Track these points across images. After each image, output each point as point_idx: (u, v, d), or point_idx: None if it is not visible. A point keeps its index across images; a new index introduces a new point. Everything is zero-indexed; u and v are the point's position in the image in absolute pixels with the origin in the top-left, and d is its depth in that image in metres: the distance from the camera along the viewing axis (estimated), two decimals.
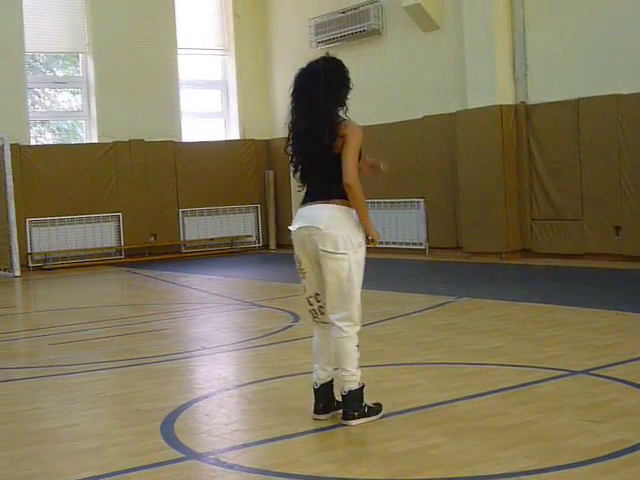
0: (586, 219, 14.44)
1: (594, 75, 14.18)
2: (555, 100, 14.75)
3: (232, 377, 7.40)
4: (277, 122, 19.81)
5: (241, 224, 20.47)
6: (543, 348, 7.64)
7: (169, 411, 6.04)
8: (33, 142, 18.91)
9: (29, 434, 5.72)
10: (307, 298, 5.74)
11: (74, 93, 19.80)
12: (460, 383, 6.50)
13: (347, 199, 5.59)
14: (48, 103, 20.16)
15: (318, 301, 5.69)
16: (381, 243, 6.03)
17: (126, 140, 19.03)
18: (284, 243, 19.95)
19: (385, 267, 15.63)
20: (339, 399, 5.70)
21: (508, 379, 6.53)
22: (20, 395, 6.98)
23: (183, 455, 5.09)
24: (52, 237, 18.30)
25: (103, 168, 18.82)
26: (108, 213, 18.87)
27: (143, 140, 19.20)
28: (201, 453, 5.11)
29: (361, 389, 5.58)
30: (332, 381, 5.72)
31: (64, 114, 20.14)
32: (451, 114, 16.19)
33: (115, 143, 18.94)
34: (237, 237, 20.35)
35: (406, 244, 17.45)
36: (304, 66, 5.66)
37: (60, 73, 19.99)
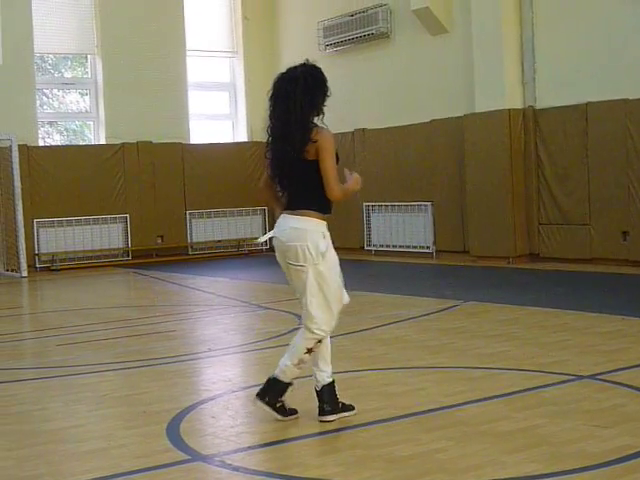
0: (593, 224, 14.43)
1: (602, 79, 14.17)
2: (563, 104, 14.74)
3: (238, 379, 7.41)
4: None
5: (248, 226, 20.47)
6: (549, 353, 7.64)
7: (175, 413, 6.05)
8: (41, 143, 18.95)
9: (35, 434, 5.73)
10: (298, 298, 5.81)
11: (82, 94, 19.83)
12: (466, 387, 6.50)
13: (318, 210, 5.60)
14: (56, 104, 20.19)
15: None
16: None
17: (134, 141, 19.06)
18: None
19: (392, 270, 15.64)
20: (344, 401, 5.77)
21: (514, 383, 6.53)
22: (27, 395, 6.99)
23: (189, 457, 5.09)
24: (59, 238, 18.32)
25: (111, 169, 18.85)
26: (115, 214, 18.89)
27: (151, 142, 19.22)
28: (207, 455, 5.11)
29: (286, 385, 5.70)
30: (333, 382, 5.75)
31: (72, 115, 20.18)
32: (459, 118, 16.19)
33: (123, 144, 18.96)
34: (244, 239, 20.35)
35: (413, 247, 17.44)
36: (283, 71, 5.73)
37: (68, 74, 20.03)
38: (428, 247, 17.19)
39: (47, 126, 19.94)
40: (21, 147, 17.23)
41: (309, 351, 5.64)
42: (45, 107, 19.72)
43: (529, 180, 15.34)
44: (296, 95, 5.56)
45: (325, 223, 5.66)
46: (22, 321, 12.08)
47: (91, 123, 19.72)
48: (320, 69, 5.76)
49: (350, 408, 5.80)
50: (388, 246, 17.98)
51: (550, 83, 15.06)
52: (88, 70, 19.56)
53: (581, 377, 6.64)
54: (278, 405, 5.70)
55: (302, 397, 6.36)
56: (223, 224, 20.13)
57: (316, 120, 5.67)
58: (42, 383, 7.47)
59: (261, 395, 5.71)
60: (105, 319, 11.04)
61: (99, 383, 7.28)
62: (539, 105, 15.26)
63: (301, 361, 5.66)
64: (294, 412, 5.79)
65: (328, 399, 5.69)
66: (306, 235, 5.54)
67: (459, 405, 5.96)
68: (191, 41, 20.11)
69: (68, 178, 18.35)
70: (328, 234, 5.65)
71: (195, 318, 11.20)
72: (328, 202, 5.64)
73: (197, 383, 7.40)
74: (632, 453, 4.77)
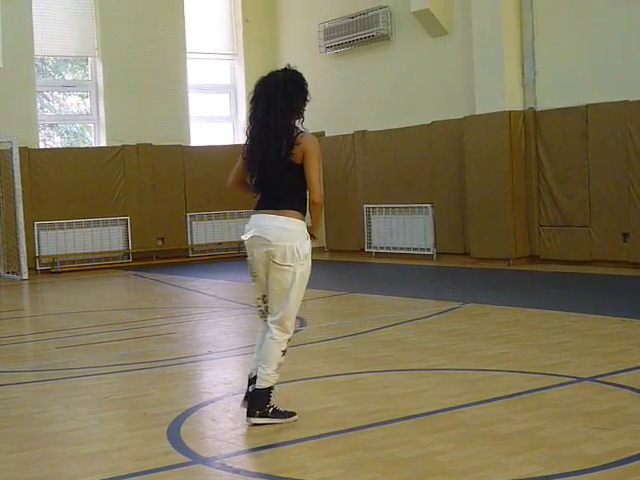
0: (594, 226, 14.43)
1: (602, 81, 14.17)
2: (564, 106, 14.75)
3: (239, 382, 7.39)
4: None
5: None
6: (550, 355, 7.64)
7: (176, 415, 6.06)
8: (42, 145, 18.97)
9: (36, 437, 5.73)
10: (256, 299, 5.93)
11: (83, 97, 19.86)
12: (466, 389, 6.50)
13: (299, 210, 5.75)
14: (57, 106, 20.21)
15: (265, 302, 5.87)
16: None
17: (134, 144, 19.08)
18: None
19: (392, 272, 15.64)
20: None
21: (514, 385, 6.53)
22: (27, 398, 7.00)
23: (189, 459, 5.10)
24: (60, 240, 18.34)
25: (111, 172, 18.86)
26: (116, 217, 18.91)
27: (151, 144, 19.24)
28: (207, 457, 5.12)
29: (268, 390, 5.74)
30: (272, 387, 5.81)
31: (73, 117, 20.21)
32: (459, 120, 16.20)
33: (123, 147, 18.98)
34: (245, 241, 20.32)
35: (414, 249, 17.45)
36: (265, 75, 5.83)
37: (69, 77, 20.05)
38: (428, 249, 17.19)
39: (48, 128, 19.97)
40: (22, 150, 17.23)
41: (284, 352, 5.77)
42: (46, 109, 19.74)
43: (529, 182, 15.34)
44: (276, 99, 5.67)
45: (305, 224, 5.78)
46: (23, 324, 12.08)
47: (91, 125, 19.74)
48: (301, 74, 5.86)
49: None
50: (388, 248, 17.97)
51: (550, 85, 15.07)
52: (88, 72, 19.58)
53: (581, 379, 6.64)
54: (271, 411, 5.74)
55: (302, 400, 6.37)
56: (223, 226, 20.13)
57: (297, 124, 5.77)
58: (43, 386, 7.48)
59: (251, 413, 5.73)
60: (106, 321, 11.05)
61: (100, 385, 7.28)
62: (539, 107, 15.26)
63: (280, 364, 5.76)
64: (292, 413, 5.82)
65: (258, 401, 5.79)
66: (295, 236, 5.67)
67: (459, 407, 5.96)
68: (191, 43, 20.13)
69: (69, 180, 18.37)
70: (309, 235, 5.79)
71: (195, 320, 11.20)
72: (306, 205, 5.79)
73: (198, 386, 7.40)
74: (633, 455, 4.77)
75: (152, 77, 19.36)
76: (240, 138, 20.85)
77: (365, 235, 18.32)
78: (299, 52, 20.01)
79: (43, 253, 18.20)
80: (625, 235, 14.01)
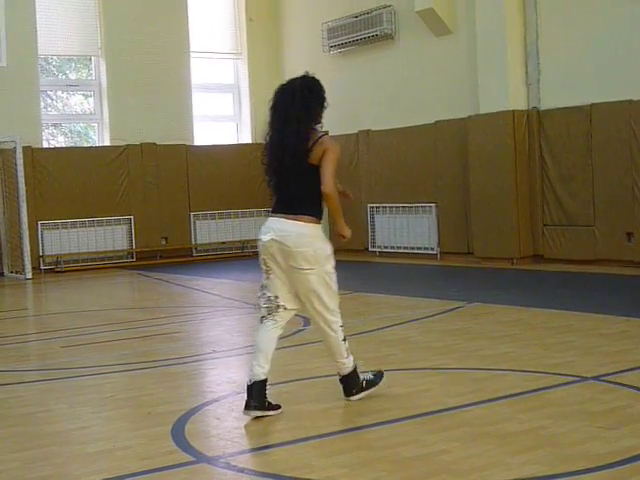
0: (598, 225, 14.42)
1: (606, 81, 14.16)
2: (567, 105, 14.74)
3: (243, 381, 7.35)
4: None
5: (252, 228, 20.40)
6: (554, 354, 7.63)
7: (180, 414, 6.06)
8: (45, 145, 18.98)
9: (40, 436, 5.74)
10: (268, 296, 6.07)
11: (86, 96, 19.87)
12: (471, 388, 6.50)
13: (315, 215, 5.97)
14: (60, 106, 20.23)
15: (277, 302, 6.07)
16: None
17: (138, 143, 19.09)
18: None
19: (396, 272, 15.64)
20: (271, 401, 5.99)
21: (518, 385, 6.53)
22: (32, 397, 7.00)
23: (193, 458, 5.10)
24: (64, 240, 18.35)
25: (115, 171, 18.88)
26: (120, 216, 18.92)
27: (155, 143, 19.25)
28: (212, 456, 5.12)
29: (354, 371, 6.20)
30: (266, 380, 5.98)
31: (76, 117, 20.23)
32: (463, 119, 16.20)
33: (127, 146, 18.99)
34: (248, 241, 20.34)
35: (418, 249, 17.45)
36: (284, 83, 6.12)
37: (73, 76, 20.07)
38: (432, 248, 17.19)
39: (51, 128, 19.98)
40: (25, 149, 17.25)
41: (344, 339, 6.14)
42: (49, 109, 19.75)
43: (533, 181, 15.33)
44: (294, 107, 5.90)
45: (321, 227, 6.04)
46: (27, 323, 12.10)
47: (95, 125, 19.75)
48: (318, 81, 6.08)
49: (276, 407, 6.00)
50: (392, 247, 17.98)
51: (554, 84, 15.06)
52: (92, 72, 19.58)
53: (585, 378, 6.64)
54: (364, 384, 6.24)
55: (306, 399, 6.37)
56: (227, 225, 20.14)
57: (317, 128, 6.00)
58: (47, 385, 7.48)
59: (349, 393, 6.20)
60: (109, 321, 11.06)
61: (104, 385, 7.28)
62: (543, 106, 15.25)
63: (347, 350, 6.15)
64: (380, 373, 6.37)
65: (257, 396, 5.89)
66: (315, 241, 5.93)
67: (464, 406, 5.96)
68: (195, 43, 20.13)
69: (72, 180, 18.38)
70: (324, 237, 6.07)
71: (199, 320, 11.21)
72: (322, 209, 5.99)
73: (202, 385, 7.41)
74: (637, 454, 4.77)
75: (156, 76, 19.36)
76: (244, 137, 20.92)
77: (369, 234, 18.32)
78: (303, 51, 20.03)
79: (47, 252, 18.21)
80: (629, 234, 14.00)
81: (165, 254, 19.35)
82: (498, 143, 15.41)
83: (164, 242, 19.45)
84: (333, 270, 6.06)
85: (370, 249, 18.35)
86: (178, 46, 19.74)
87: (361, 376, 6.24)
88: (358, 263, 17.14)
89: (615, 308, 9.95)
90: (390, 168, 17.81)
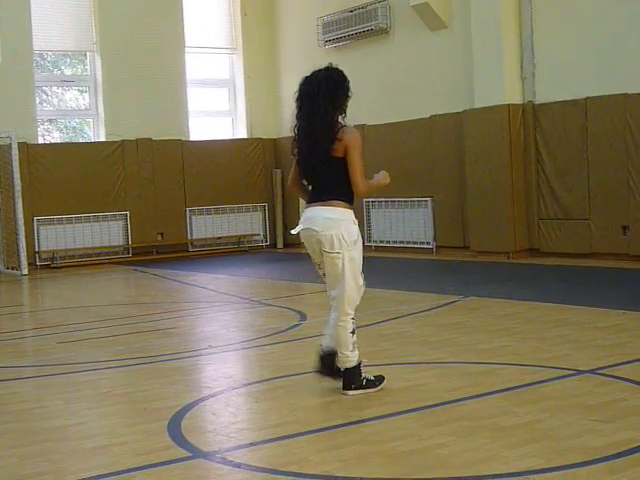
0: (593, 218, 14.43)
1: (602, 74, 14.16)
2: (563, 99, 14.74)
3: (239, 376, 7.41)
4: (284, 121, 19.83)
5: (248, 223, 20.49)
6: (550, 347, 7.64)
7: (176, 410, 6.06)
8: (41, 140, 18.95)
9: (37, 432, 5.73)
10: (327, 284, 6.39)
11: (82, 91, 19.84)
12: (467, 382, 6.51)
13: (343, 199, 6.17)
14: (56, 101, 20.19)
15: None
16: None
17: (134, 139, 19.08)
18: (291, 242, 19.98)
19: (392, 266, 15.64)
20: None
21: (515, 378, 6.54)
22: (28, 393, 7.00)
23: (190, 454, 5.09)
24: (60, 235, 18.34)
25: (111, 167, 18.86)
26: (115, 212, 18.91)
27: (151, 139, 19.24)
28: (208, 452, 5.12)
29: (357, 366, 6.23)
30: (334, 353, 6.28)
31: (72, 112, 20.19)
32: (459, 113, 16.20)
33: (123, 142, 18.98)
34: (244, 236, 20.37)
35: (413, 243, 17.47)
36: (308, 74, 6.20)
37: (68, 71, 20.03)
38: (428, 242, 17.20)
39: (47, 124, 19.95)
40: (21, 145, 17.23)
41: (353, 332, 6.23)
42: (45, 105, 19.72)
43: (529, 175, 15.34)
44: (319, 97, 6.07)
45: (353, 212, 6.21)
46: (23, 319, 12.09)
47: (90, 120, 19.72)
48: (341, 72, 6.28)
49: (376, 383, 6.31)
50: (388, 242, 17.98)
51: (549, 78, 15.06)
52: (87, 67, 19.55)
53: (581, 372, 6.64)
54: (364, 383, 6.24)
55: (302, 394, 6.37)
56: (223, 221, 20.14)
57: (340, 119, 6.18)
58: (43, 381, 7.47)
59: (347, 387, 6.23)
60: (105, 316, 11.05)
61: (100, 380, 7.28)
62: (538, 100, 15.26)
63: (354, 343, 6.23)
64: (382, 378, 6.36)
65: (326, 365, 6.33)
66: (340, 224, 6.09)
67: (460, 400, 5.97)
68: (190, 37, 20.11)
69: (68, 176, 18.37)
70: (357, 221, 6.23)
71: (196, 315, 11.21)
72: (353, 194, 6.20)
73: (198, 380, 7.40)
74: (633, 447, 4.77)
75: (151, 72, 19.35)
76: (239, 132, 20.90)
77: (365, 229, 18.31)
78: (298, 46, 20.02)
79: (43, 248, 18.20)
80: (625, 228, 14.01)
81: (161, 250, 19.35)
82: (493, 137, 15.41)
83: (160, 238, 19.45)
84: (359, 258, 6.17)
85: (366, 243, 18.33)
86: (173, 41, 19.72)
87: (363, 374, 6.27)
88: None
89: (611, 301, 9.97)
90: (386, 162, 17.72)
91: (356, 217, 6.28)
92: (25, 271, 16.83)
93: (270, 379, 6.95)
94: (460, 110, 16.15)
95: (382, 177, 6.39)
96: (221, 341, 8.97)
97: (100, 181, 18.71)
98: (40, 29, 18.43)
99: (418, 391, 6.31)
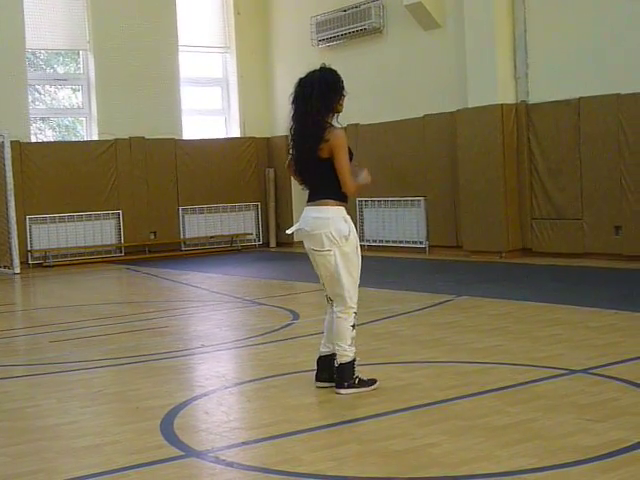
0: (586, 218, 14.45)
1: (595, 74, 14.18)
2: (556, 99, 14.76)
3: (232, 375, 7.40)
4: (278, 120, 19.84)
5: (241, 222, 20.49)
6: (542, 347, 7.65)
7: (169, 409, 6.05)
8: (33, 139, 18.92)
9: (29, 431, 5.72)
10: (322, 283, 6.46)
11: (75, 90, 19.81)
12: (459, 382, 6.51)
13: (333, 197, 6.24)
14: (48, 100, 20.16)
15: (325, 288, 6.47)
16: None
17: (127, 137, 19.06)
18: (284, 241, 19.99)
19: (385, 265, 15.64)
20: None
21: (507, 378, 6.54)
22: (19, 392, 6.99)
23: (182, 453, 5.09)
24: (52, 234, 18.31)
25: (103, 165, 18.84)
26: (108, 210, 18.89)
27: (144, 137, 19.22)
28: (200, 451, 5.11)
29: (352, 362, 6.28)
30: (334, 355, 6.32)
31: (64, 111, 20.15)
32: (452, 113, 16.21)
33: (116, 140, 18.96)
34: (237, 235, 20.36)
35: (406, 242, 17.47)
36: (303, 76, 6.28)
37: (61, 70, 20.00)
38: (421, 242, 17.21)
39: (39, 122, 19.92)
40: (13, 143, 17.20)
41: (353, 327, 6.29)
42: (37, 103, 19.68)
43: (522, 175, 15.35)
44: (312, 99, 6.15)
45: (344, 209, 6.29)
46: (15, 318, 12.06)
47: (83, 119, 19.69)
48: (335, 72, 6.36)
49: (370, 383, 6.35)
50: (381, 241, 17.99)
51: (543, 78, 15.08)
52: (80, 66, 19.52)
53: (574, 371, 6.65)
54: (357, 382, 6.27)
55: (295, 393, 6.37)
56: (216, 220, 20.14)
57: (333, 120, 6.27)
58: (35, 380, 7.46)
59: (339, 385, 6.25)
60: (98, 315, 11.03)
61: (92, 379, 7.27)
62: (532, 100, 15.27)
63: (352, 338, 6.28)
64: (374, 381, 6.36)
65: (324, 369, 6.42)
66: (329, 222, 6.17)
67: (453, 399, 5.97)
68: (183, 36, 20.10)
69: (61, 174, 18.34)
70: (349, 217, 6.29)
71: (188, 314, 11.20)
72: (344, 193, 6.27)
73: (190, 379, 7.39)
74: (625, 447, 4.78)
75: (144, 70, 19.32)
76: (232, 131, 20.91)
77: (358, 228, 18.28)
78: (291, 45, 20.02)
79: (35, 247, 18.18)
80: (617, 228, 14.04)
81: (154, 248, 19.33)
82: (487, 137, 15.43)
83: (153, 236, 19.43)
84: (353, 253, 6.24)
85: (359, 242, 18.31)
86: (166, 40, 19.70)
87: (356, 372, 6.30)
88: None
89: (603, 301, 9.98)
90: (379, 162, 17.78)
91: (349, 215, 6.29)
92: (17, 270, 16.81)
93: (263, 378, 6.94)
94: (453, 110, 16.16)
95: (364, 177, 6.42)
96: (214, 340, 8.96)
97: (93, 180, 18.68)
98: (33, 27, 18.39)
99: (411, 390, 6.31)
